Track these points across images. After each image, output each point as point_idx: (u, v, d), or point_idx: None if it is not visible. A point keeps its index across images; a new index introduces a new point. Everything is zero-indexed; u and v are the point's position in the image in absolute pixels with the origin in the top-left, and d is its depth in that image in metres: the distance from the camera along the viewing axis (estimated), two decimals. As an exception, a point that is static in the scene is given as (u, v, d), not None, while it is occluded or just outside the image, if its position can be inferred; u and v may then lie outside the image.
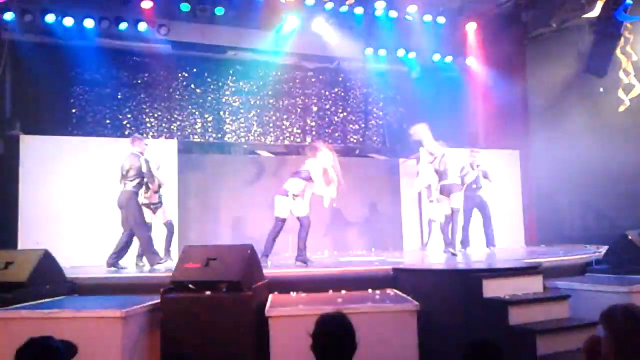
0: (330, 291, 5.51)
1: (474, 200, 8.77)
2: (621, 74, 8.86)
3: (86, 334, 4.20)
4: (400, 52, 11.16)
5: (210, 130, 10.73)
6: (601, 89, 9.24)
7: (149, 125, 10.31)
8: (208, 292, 4.64)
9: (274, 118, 11.21)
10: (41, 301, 4.90)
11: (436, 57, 11.31)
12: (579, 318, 5.17)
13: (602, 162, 9.18)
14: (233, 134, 10.88)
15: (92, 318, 4.30)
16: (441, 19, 10.72)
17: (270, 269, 6.22)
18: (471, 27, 11.05)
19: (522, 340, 4.69)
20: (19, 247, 7.70)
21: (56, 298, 5.19)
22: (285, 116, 11.30)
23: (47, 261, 5.48)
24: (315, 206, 10.35)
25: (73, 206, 8.30)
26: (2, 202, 8.23)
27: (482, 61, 11.28)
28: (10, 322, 4.28)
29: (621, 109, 8.87)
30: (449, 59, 11.41)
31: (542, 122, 10.57)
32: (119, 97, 10.12)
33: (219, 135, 10.77)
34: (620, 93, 8.87)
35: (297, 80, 11.46)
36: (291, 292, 5.45)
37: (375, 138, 11.97)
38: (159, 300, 4.68)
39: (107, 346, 4.22)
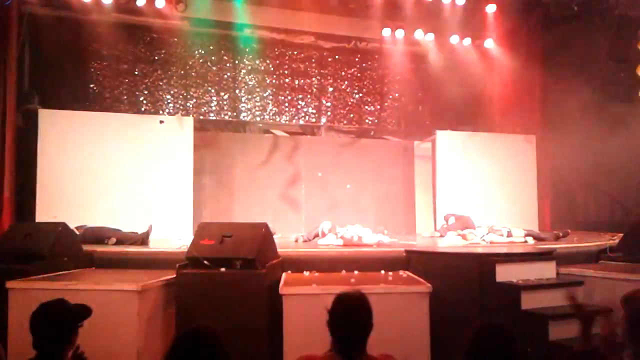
0: (343, 271, 5.55)
1: None
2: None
3: (103, 306, 4.28)
4: (418, 33, 11.04)
5: (225, 108, 10.74)
6: (621, 74, 9.10)
7: (165, 102, 10.34)
8: (223, 269, 4.70)
9: (289, 97, 11.19)
10: (60, 273, 4.99)
11: (454, 39, 11.17)
12: (591, 305, 5.17)
13: (619, 150, 9.08)
14: (248, 112, 10.88)
15: (109, 291, 4.38)
16: (460, 0, 10.57)
17: (284, 248, 6.25)
18: (491, 9, 10.87)
19: (534, 325, 4.71)
20: (37, 220, 7.80)
21: (74, 270, 5.28)
22: (300, 96, 11.26)
23: (65, 234, 5.57)
24: (328, 187, 10.45)
25: (90, 180, 8.38)
26: (21, 176, 8.33)
27: (501, 44, 11.13)
28: (30, 292, 4.36)
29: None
30: (467, 41, 11.27)
31: (560, 107, 10.44)
32: (136, 73, 10.14)
33: (235, 114, 10.78)
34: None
35: (313, 60, 11.40)
36: (304, 272, 5.49)
37: (390, 120, 11.90)
38: (174, 276, 4.74)
39: (124, 319, 4.30)
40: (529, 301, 4.99)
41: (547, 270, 5.61)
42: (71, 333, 2.78)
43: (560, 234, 8.21)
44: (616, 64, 8.84)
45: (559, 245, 6.70)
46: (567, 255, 6.28)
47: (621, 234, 6.90)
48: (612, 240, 7.00)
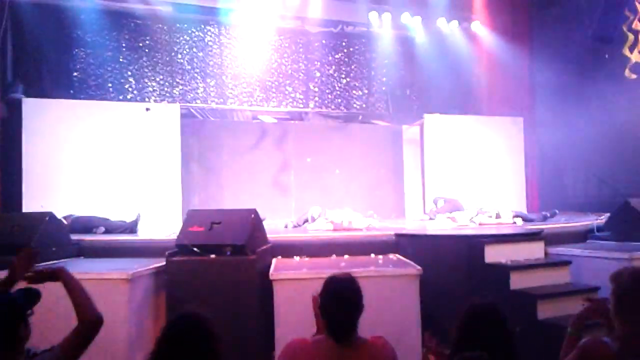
0: (334, 256, 5.57)
1: None
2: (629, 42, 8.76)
3: (93, 295, 4.24)
4: (405, 17, 11.01)
5: (212, 94, 10.65)
6: (606, 56, 9.13)
7: (151, 89, 10.22)
8: (212, 256, 4.69)
9: (276, 83, 11.11)
10: (47, 263, 4.94)
11: (441, 21, 11.16)
12: (579, 284, 5.24)
13: (606, 130, 9.14)
14: (235, 98, 10.80)
15: (98, 280, 4.36)
16: (447, -17, 10.56)
17: (274, 234, 6.25)
18: (477, -9, 10.88)
19: (523, 304, 4.76)
20: (24, 210, 7.73)
21: (62, 260, 5.24)
22: (288, 81, 11.19)
23: (52, 224, 5.52)
24: (317, 172, 10.45)
25: (76, 169, 8.31)
26: (6, 166, 8.24)
27: (487, 26, 11.12)
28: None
29: (632, 75, 8.79)
30: (454, 24, 11.25)
31: (547, 89, 10.47)
32: (121, 60, 10.00)
33: (221, 100, 10.70)
34: (626, 51, 8.79)
35: (300, 45, 11.32)
36: (294, 257, 5.50)
37: (378, 104, 11.87)
38: (164, 263, 4.72)
39: (114, 307, 4.27)
40: (518, 281, 5.04)
41: (535, 251, 5.68)
42: (19, 326, 2.35)
43: (548, 215, 8.28)
44: (602, 44, 8.82)
45: (547, 226, 6.75)
46: (555, 236, 6.33)
47: (608, 214, 6.96)
48: (599, 220, 7.06)
